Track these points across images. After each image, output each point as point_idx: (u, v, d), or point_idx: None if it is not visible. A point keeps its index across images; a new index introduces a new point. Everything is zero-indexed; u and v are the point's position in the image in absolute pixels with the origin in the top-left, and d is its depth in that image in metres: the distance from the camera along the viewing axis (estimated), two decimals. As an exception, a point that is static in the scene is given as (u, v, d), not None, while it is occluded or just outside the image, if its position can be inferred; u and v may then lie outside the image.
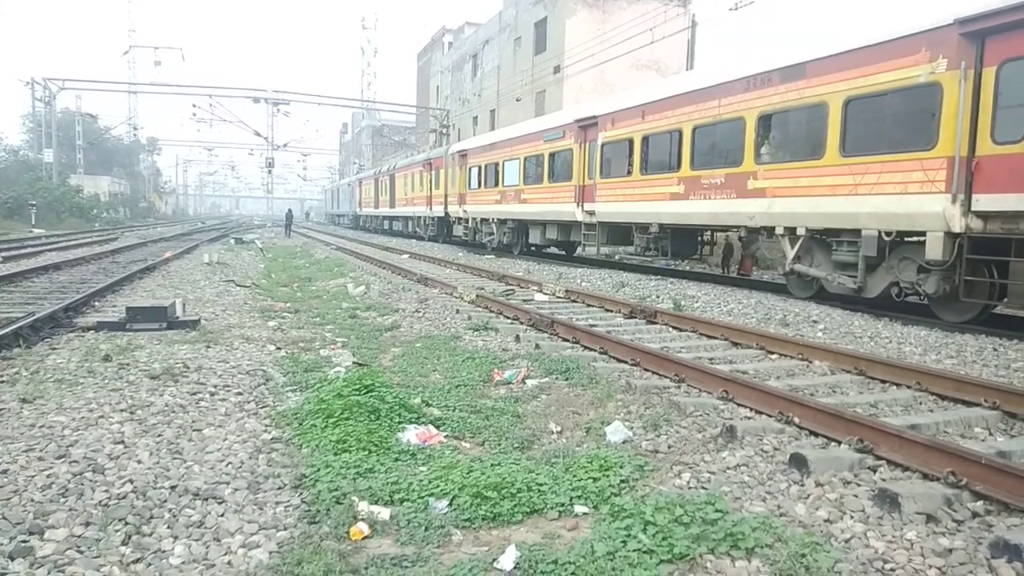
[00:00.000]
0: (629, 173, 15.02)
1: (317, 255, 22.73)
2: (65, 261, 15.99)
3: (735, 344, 7.66)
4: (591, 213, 16.71)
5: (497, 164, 22.18)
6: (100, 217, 48.66)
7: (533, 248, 22.23)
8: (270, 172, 62.81)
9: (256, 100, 45.01)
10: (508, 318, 9.27)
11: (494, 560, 2.96)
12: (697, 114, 12.67)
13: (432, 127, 48.63)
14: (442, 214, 28.21)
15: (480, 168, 23.67)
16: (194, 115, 47.97)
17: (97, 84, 52.49)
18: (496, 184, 22.28)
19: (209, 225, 55.45)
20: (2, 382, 5.43)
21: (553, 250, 22.37)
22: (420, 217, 32.16)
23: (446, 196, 27.50)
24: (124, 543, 2.99)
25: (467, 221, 25.50)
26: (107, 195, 58.84)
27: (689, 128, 12.88)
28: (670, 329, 8.68)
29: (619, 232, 16.48)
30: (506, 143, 21.77)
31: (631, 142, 14.86)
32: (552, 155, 18.70)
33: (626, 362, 6.56)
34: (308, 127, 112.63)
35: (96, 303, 9.89)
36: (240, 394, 5.37)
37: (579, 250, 20.52)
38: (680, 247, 14.89)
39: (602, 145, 16.04)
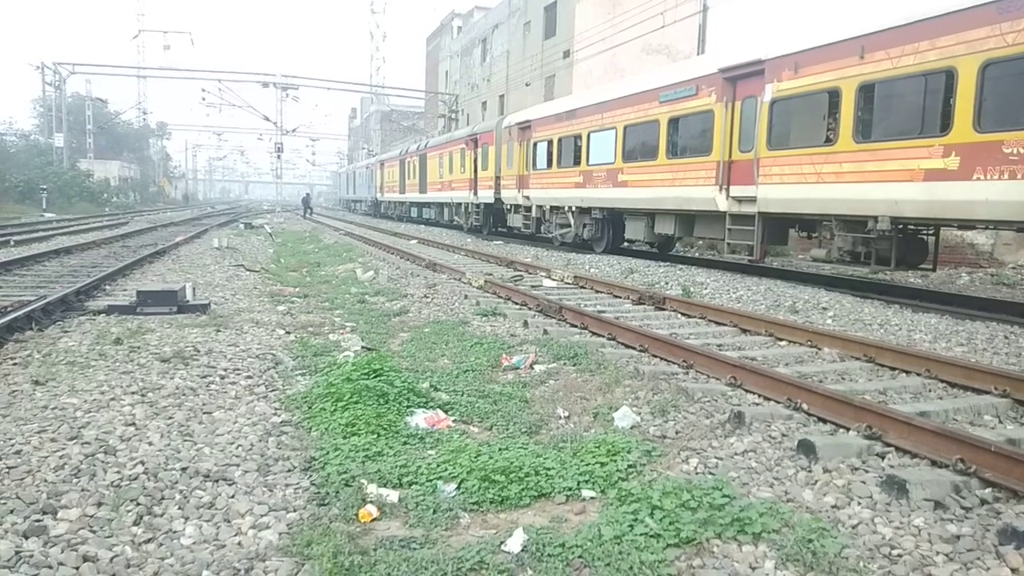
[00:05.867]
0: (829, 141, 10.28)
1: (326, 240, 22.75)
2: (76, 245, 16.10)
3: (744, 331, 7.63)
4: (746, 200, 11.87)
5: (578, 136, 17.31)
6: (110, 202, 48.97)
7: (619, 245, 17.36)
8: (279, 157, 62.94)
9: (265, 85, 45.13)
10: (516, 304, 9.27)
11: (502, 543, 2.97)
12: (991, 41, 7.93)
13: (441, 112, 48.47)
14: (491, 200, 23.17)
15: (551, 143, 18.76)
16: (203, 100, 48.30)
17: (107, 68, 52.76)
18: (576, 163, 17.44)
19: (218, 210, 55.68)
20: (15, 364, 5.50)
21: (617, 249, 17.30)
22: (460, 204, 26.72)
23: (497, 179, 22.50)
24: (136, 523, 3.02)
25: (529, 209, 20.63)
26: (117, 180, 59.16)
27: (971, 65, 8.11)
28: (679, 315, 8.66)
29: (788, 228, 12.09)
30: (594, 109, 16.60)
31: (834, 94, 10.08)
32: (674, 121, 13.72)
33: (634, 348, 6.56)
34: (317, 112, 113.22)
35: (107, 287, 9.96)
36: (250, 377, 5.41)
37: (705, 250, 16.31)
38: (907, 252, 10.12)
39: (772, 103, 11.20)
